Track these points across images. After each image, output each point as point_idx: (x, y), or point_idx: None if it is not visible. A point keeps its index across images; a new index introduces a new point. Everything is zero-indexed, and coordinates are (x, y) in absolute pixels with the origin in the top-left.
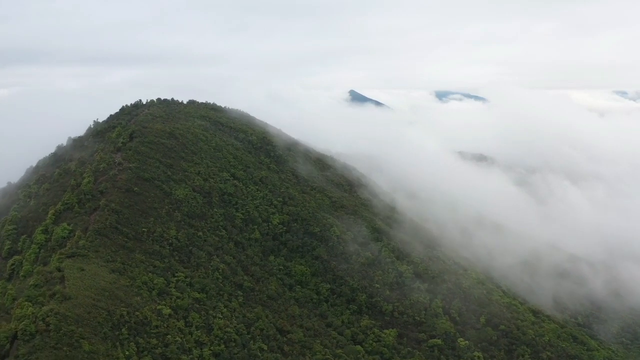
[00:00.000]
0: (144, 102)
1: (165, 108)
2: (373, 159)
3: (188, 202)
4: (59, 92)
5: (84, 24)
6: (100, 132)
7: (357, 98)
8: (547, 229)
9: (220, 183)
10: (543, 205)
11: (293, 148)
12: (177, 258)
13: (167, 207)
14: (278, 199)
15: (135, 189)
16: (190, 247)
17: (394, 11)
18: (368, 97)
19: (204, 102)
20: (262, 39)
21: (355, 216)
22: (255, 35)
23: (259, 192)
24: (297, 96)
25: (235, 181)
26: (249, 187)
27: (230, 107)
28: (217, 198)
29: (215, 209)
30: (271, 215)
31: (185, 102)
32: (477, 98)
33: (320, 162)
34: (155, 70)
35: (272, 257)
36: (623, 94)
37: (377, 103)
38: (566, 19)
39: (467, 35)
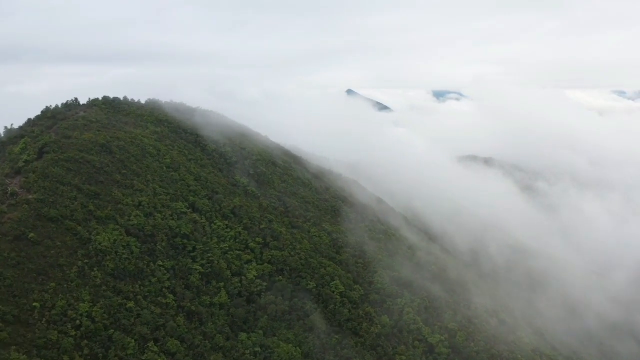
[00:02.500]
0: (84, 102)
1: (110, 110)
2: (371, 166)
3: (116, 252)
4: (46, 93)
5: (75, 21)
6: (4, 144)
7: (354, 97)
8: (571, 248)
9: (171, 219)
10: (559, 219)
11: (282, 160)
12: (86, 351)
13: (80, 263)
14: (256, 239)
15: (31, 235)
16: (112, 330)
17: (395, 9)
18: (366, 96)
19: (170, 100)
20: (260, 37)
21: (365, 259)
22: (252, 33)
23: (228, 230)
24: (293, 95)
25: (194, 214)
26: (215, 224)
27: (204, 108)
28: (164, 243)
29: (159, 262)
30: (245, 266)
31: (144, 101)
32: (474, 98)
33: (317, 179)
34: (151, 70)
35: (243, 335)
36: (621, 93)
37: (375, 102)
38: (566, 18)
39: (466, 34)
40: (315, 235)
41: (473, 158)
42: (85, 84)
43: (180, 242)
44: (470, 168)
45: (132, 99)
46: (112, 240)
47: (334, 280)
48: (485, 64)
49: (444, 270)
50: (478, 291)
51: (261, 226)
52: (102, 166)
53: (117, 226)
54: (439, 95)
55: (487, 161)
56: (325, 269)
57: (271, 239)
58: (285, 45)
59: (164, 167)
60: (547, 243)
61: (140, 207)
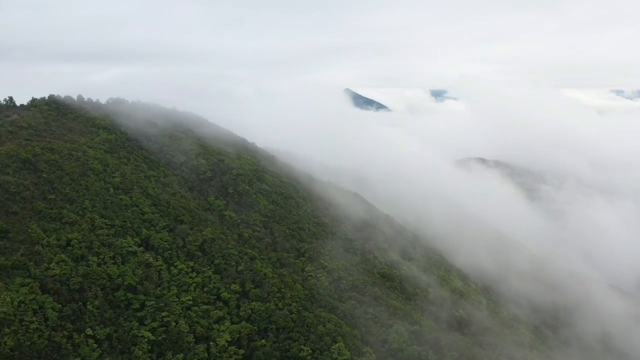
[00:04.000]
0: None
1: (54, 112)
2: (369, 172)
3: (21, 321)
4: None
5: (67, 18)
6: None
7: (353, 97)
8: (591, 264)
9: (113, 264)
10: (570, 227)
11: (270, 174)
12: None
13: None
14: (232, 286)
15: None
16: None
17: (396, 8)
18: (364, 95)
19: (137, 100)
20: (258, 35)
21: (376, 307)
22: (251, 32)
23: (194, 274)
24: (289, 95)
25: (147, 255)
26: (176, 267)
27: (181, 110)
28: (97, 302)
29: (89, 330)
30: (216, 327)
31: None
32: (461, 97)
33: (314, 196)
34: (146, 69)
35: None
36: (620, 92)
37: (374, 103)
38: (565, 17)
39: (467, 33)
40: (311, 276)
41: (475, 161)
42: (78, 84)
43: (123, 298)
44: (472, 172)
45: (89, 99)
46: (15, 303)
47: (336, 343)
48: (484, 64)
49: (471, 315)
50: (514, 339)
51: (239, 267)
52: (20, 190)
53: (29, 280)
54: (437, 94)
55: (487, 163)
56: (324, 326)
57: (252, 286)
58: (285, 43)
59: (111, 189)
60: (566, 258)
61: (69, 248)
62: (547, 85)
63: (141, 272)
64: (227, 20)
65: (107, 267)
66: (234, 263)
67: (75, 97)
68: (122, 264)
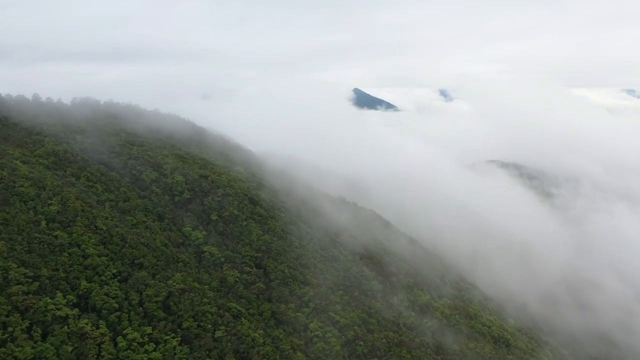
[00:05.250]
0: None
1: None
2: (373, 177)
3: None
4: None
5: (71, 17)
6: None
7: (362, 97)
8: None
9: (27, 340)
10: (593, 237)
11: (268, 193)
12: None
13: None
14: None
15: None
16: None
17: (407, 7)
18: (373, 95)
19: (109, 100)
20: (265, 34)
21: None
22: (261, 30)
23: (151, 348)
24: (298, 95)
25: (83, 321)
26: (125, 337)
27: (164, 112)
28: None
29: None
30: None
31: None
32: (476, 97)
33: (320, 216)
34: (154, 68)
35: None
36: (630, 92)
37: (383, 102)
38: (576, 15)
39: (477, 31)
40: (317, 337)
41: (488, 163)
42: (79, 84)
43: None
44: (486, 176)
45: (48, 98)
46: None
47: None
48: (493, 63)
49: None
50: None
51: (217, 333)
52: None
53: None
54: (447, 94)
55: (498, 164)
56: None
57: None
58: (293, 42)
59: (43, 222)
60: (596, 274)
61: None
62: (556, 84)
63: (71, 349)
64: (235, 18)
65: (16, 347)
66: (210, 326)
67: (45, 98)
68: (42, 339)
